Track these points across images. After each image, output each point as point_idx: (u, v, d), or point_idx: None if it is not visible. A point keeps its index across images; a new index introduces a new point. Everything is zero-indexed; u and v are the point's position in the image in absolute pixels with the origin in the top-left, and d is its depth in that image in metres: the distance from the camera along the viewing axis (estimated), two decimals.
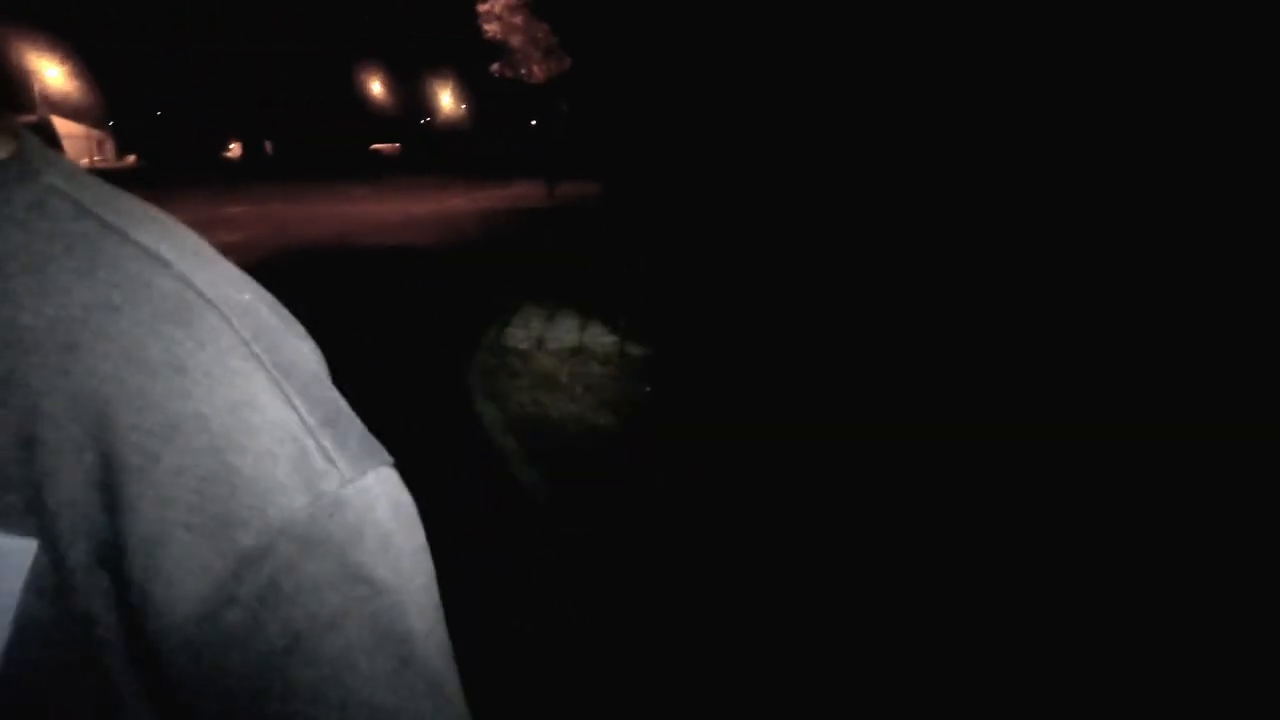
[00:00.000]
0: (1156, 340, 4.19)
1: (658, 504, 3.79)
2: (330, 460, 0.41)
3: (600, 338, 6.81)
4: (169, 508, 0.37)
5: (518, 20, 27.10)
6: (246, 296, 0.44)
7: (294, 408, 0.41)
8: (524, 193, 22.69)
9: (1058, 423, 4.45)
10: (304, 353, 0.45)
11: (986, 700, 2.58)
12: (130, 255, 0.41)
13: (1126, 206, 4.43)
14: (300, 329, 0.47)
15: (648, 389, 5.58)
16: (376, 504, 0.42)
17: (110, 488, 0.37)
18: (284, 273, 10.18)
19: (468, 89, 73.24)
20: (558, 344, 6.73)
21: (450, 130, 73.96)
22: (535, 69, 27.62)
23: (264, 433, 0.39)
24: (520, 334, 7.09)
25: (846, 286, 6.02)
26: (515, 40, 27.37)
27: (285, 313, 0.47)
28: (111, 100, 61.94)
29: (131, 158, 61.89)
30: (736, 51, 7.20)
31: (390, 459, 0.45)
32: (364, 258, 12.12)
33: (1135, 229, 4.40)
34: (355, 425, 0.44)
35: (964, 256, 5.22)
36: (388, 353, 6.25)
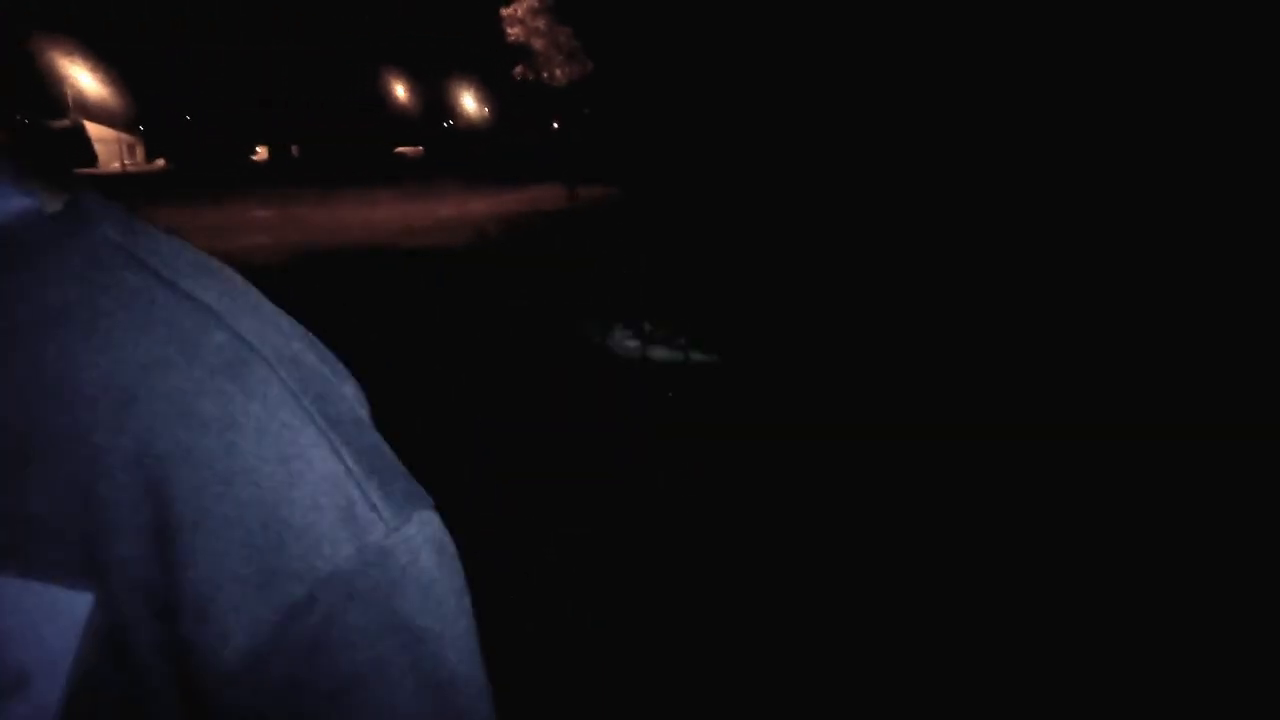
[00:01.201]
0: (1156, 340, 4.19)
1: (658, 504, 3.85)
2: (375, 509, 0.42)
3: (625, 342, 6.86)
4: (222, 561, 0.38)
5: (540, 24, 27.25)
6: (294, 346, 0.45)
7: (341, 459, 0.42)
8: (545, 196, 22.75)
9: (1058, 423, 4.46)
10: (348, 399, 0.46)
11: (986, 700, 2.60)
12: (185, 310, 0.42)
13: (1129, 210, 4.44)
14: (343, 370, 0.49)
15: (670, 394, 5.55)
16: (420, 552, 0.43)
17: (165, 542, 0.38)
18: (315, 278, 10.24)
19: (490, 92, 73.54)
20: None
21: (473, 133, 74.29)
22: (557, 72, 27.77)
23: (312, 485, 0.40)
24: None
25: (850, 289, 6.04)
26: (537, 44, 27.52)
27: (328, 355, 0.49)
28: (141, 104, 62.84)
29: (161, 161, 62.76)
30: (754, 56, 7.23)
31: (432, 502, 0.46)
32: (396, 261, 12.14)
33: (1137, 231, 4.41)
34: (398, 471, 0.45)
35: (969, 259, 5.23)
36: (414, 358, 6.33)
